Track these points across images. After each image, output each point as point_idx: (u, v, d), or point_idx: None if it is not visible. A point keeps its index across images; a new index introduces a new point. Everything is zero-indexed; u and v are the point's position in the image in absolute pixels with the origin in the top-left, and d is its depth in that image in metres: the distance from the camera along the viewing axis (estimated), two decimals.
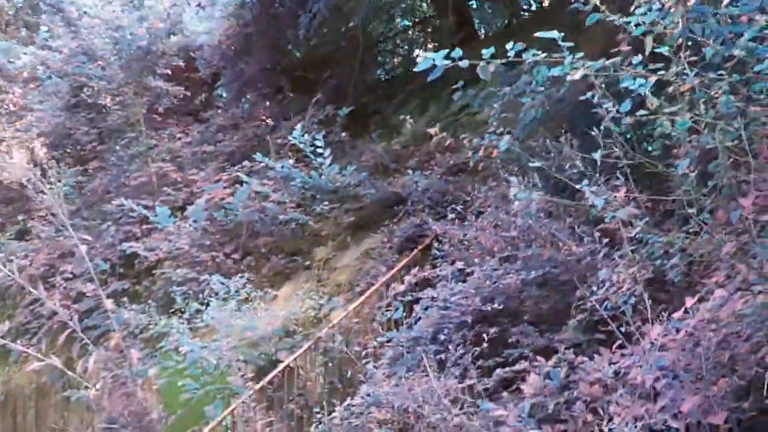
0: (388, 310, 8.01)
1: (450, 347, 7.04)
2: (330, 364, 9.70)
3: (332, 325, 9.87)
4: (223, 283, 9.83)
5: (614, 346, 6.25)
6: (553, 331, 7.26)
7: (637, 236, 5.82)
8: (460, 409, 5.87)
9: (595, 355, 6.68)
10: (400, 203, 12.04)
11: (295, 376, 9.60)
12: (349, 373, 9.57)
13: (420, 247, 11.00)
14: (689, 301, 5.90)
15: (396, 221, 11.77)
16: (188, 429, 9.06)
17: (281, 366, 9.40)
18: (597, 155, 5.27)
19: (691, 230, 5.71)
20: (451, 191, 11.51)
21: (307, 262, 12.43)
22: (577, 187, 5.46)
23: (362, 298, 10.27)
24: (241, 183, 13.19)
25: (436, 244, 9.59)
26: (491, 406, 5.73)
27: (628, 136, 6.07)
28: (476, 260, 7.95)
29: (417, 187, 11.81)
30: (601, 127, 5.28)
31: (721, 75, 5.32)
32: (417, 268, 8.44)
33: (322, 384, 9.74)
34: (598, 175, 5.54)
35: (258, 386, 9.13)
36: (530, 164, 8.79)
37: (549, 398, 6.43)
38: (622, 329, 6.14)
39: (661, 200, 5.99)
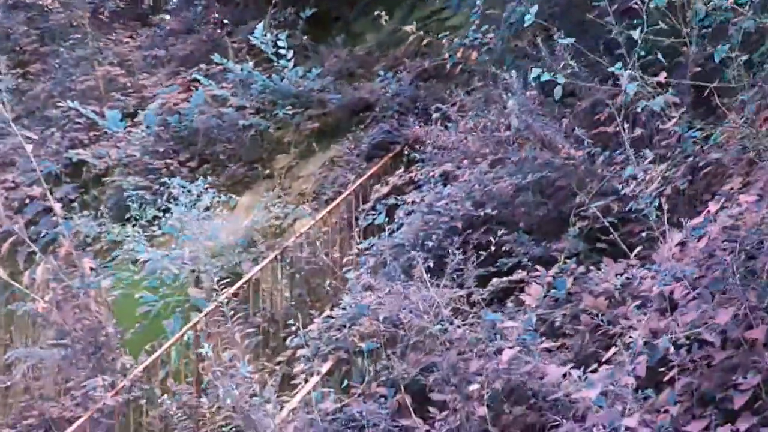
0: (371, 214, 7.39)
1: (440, 254, 6.50)
2: (297, 276, 9.11)
3: (299, 235, 9.26)
4: (184, 187, 9.15)
5: (633, 254, 5.72)
6: (550, 240, 6.73)
7: (670, 130, 5.25)
8: (463, 319, 5.32)
9: (602, 265, 6.18)
10: (368, 109, 11.40)
11: (260, 289, 9.01)
12: (321, 284, 9.04)
13: (390, 154, 10.43)
14: (713, 206, 5.39)
15: (363, 128, 11.14)
16: (146, 344, 8.42)
17: (246, 277, 8.79)
18: (636, 33, 4.65)
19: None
20: (422, 97, 10.90)
21: (268, 171, 11.78)
22: (610, 69, 4.86)
23: (330, 206, 9.68)
24: (197, 88, 12.42)
25: (417, 148, 8.98)
26: (497, 317, 5.19)
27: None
28: (466, 162, 7.36)
29: (386, 93, 11.15)
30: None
31: None
32: (402, 169, 7.83)
33: (288, 297, 9.17)
34: (632, 59, 4.94)
35: (221, 299, 8.50)
36: (517, 63, 8.21)
37: (553, 310, 5.93)
38: (643, 235, 5.61)
39: (697, 87, 5.41)
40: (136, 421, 7.75)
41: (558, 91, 5.78)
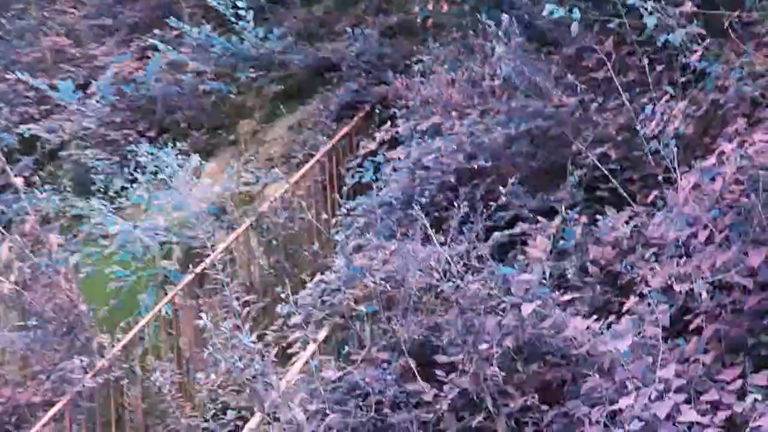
0: (359, 171, 7.06)
1: (431, 210, 6.23)
2: (274, 242, 8.77)
3: (275, 199, 8.91)
4: (152, 153, 8.74)
5: (650, 198, 5.47)
6: (547, 191, 6.47)
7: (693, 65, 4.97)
8: (472, 275, 5.03)
9: (605, 214, 5.94)
10: (333, 70, 10.98)
11: (237, 257, 8.66)
12: (298, 250, 8.73)
13: (361, 114, 10.10)
14: (726, 146, 5.16)
15: (330, 88, 10.77)
16: (121, 321, 8.02)
17: (222, 246, 8.42)
18: None
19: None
20: (389, 54, 10.55)
21: (232, 137, 11.35)
22: (630, 1, 4.56)
23: (304, 169, 9.33)
24: (151, 56, 11.93)
25: (389, 105, 8.66)
26: (510, 270, 4.91)
27: None
28: (454, 114, 7.04)
29: (351, 51, 10.77)
30: None
31: None
32: (388, 124, 7.50)
33: (264, 265, 8.84)
34: None
35: (198, 270, 8.15)
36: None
37: (559, 262, 5.68)
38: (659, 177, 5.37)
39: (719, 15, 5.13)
40: (117, 402, 7.38)
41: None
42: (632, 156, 6.53)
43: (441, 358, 5.67)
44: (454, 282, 4.96)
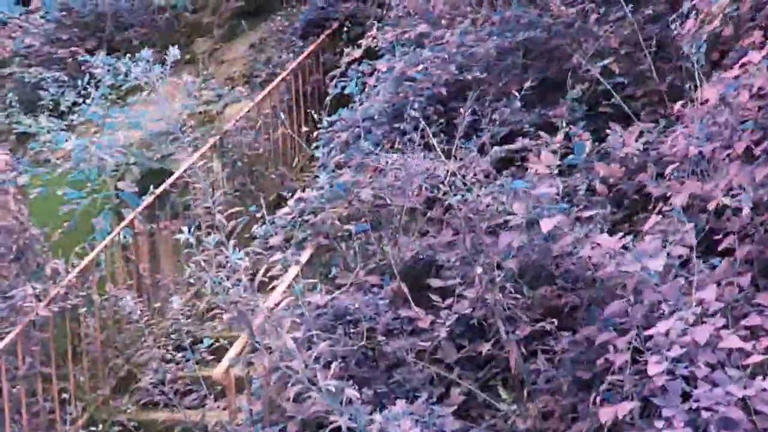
0: (343, 81, 6.51)
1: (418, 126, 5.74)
2: (239, 164, 8.23)
3: (240, 118, 8.36)
4: (110, 65, 8.09)
5: (675, 107, 5.04)
6: (543, 107, 6.01)
7: None
8: (481, 188, 4.56)
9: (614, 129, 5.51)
10: None
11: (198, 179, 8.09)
12: (263, 172, 8.23)
13: (328, 30, 9.56)
14: (754, 56, 4.73)
15: (294, 5, 10.18)
16: (76, 246, 7.41)
17: (183, 166, 7.86)
18: None
19: None
20: None
21: (188, 56, 10.70)
22: None
23: (270, 87, 8.78)
24: None
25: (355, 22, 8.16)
26: (522, 184, 4.45)
27: None
28: (443, 23, 6.53)
29: None
30: None
31: None
32: (375, 30, 6.96)
33: (227, 188, 8.30)
34: None
35: (158, 191, 7.59)
36: None
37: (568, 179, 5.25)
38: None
39: None
40: (72, 332, 6.83)
41: None
42: (635, 71, 6.10)
43: (435, 282, 5.25)
44: (462, 195, 4.48)
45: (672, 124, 5.56)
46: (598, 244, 4.22)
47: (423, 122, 5.19)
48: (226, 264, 4.27)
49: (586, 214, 4.50)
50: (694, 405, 3.58)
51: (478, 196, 4.42)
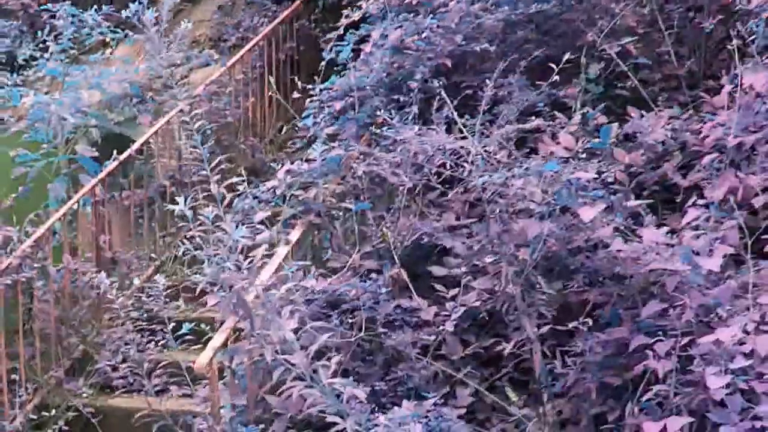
0: (339, 46, 5.99)
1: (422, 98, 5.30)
2: (209, 132, 7.67)
3: (209, 83, 7.81)
4: (74, 15, 7.45)
5: (723, 91, 4.65)
6: (552, 86, 5.57)
7: None
8: (508, 170, 4.11)
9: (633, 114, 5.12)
10: None
11: (166, 145, 7.56)
12: (232, 141, 7.72)
13: None
14: None
15: None
16: (31, 212, 6.79)
17: (149, 132, 7.31)
18: None
19: None
20: None
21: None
22: None
23: (242, 52, 8.25)
24: None
25: None
26: (554, 166, 4.03)
27: None
28: None
29: None
30: None
31: None
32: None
33: (191, 158, 7.75)
34: None
35: (122, 157, 7.03)
36: None
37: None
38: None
39: None
40: (24, 307, 6.23)
41: None
42: (652, 53, 5.72)
43: (439, 271, 4.82)
44: (490, 176, 4.03)
45: (685, 111, 5.24)
46: (639, 238, 3.82)
47: (442, 93, 4.72)
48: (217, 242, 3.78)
49: (632, 203, 4.08)
50: (758, 424, 3.21)
51: (508, 178, 3.97)
